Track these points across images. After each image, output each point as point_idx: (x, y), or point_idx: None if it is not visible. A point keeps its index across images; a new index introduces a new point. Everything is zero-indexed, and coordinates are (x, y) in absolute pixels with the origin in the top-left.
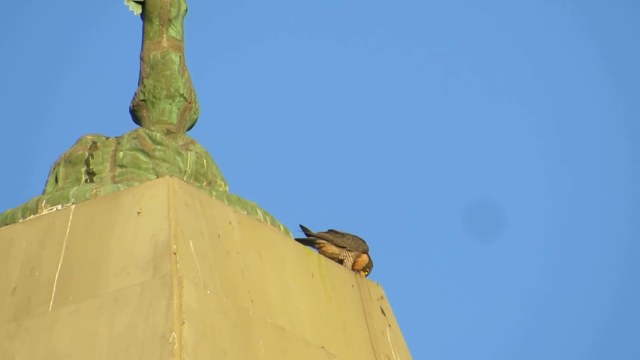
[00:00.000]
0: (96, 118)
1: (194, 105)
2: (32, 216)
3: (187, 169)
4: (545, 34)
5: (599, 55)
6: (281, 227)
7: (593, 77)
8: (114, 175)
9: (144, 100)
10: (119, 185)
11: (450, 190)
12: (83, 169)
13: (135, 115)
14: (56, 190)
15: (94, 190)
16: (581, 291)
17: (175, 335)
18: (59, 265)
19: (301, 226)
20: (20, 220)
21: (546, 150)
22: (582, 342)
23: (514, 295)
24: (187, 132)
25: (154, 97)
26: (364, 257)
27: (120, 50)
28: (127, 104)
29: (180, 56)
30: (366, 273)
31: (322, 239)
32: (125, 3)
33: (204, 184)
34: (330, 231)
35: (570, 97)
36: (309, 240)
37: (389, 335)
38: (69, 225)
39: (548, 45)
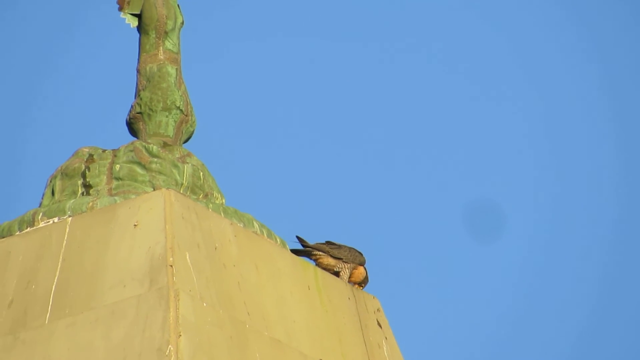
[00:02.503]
0: (93, 130)
1: (190, 117)
2: (28, 229)
3: (184, 182)
4: (544, 37)
5: (596, 58)
6: (278, 240)
7: (588, 79)
8: (111, 188)
9: (140, 113)
10: (116, 198)
11: (449, 191)
12: (79, 182)
13: (132, 127)
14: (53, 203)
15: (91, 203)
16: (581, 292)
17: (172, 348)
18: (56, 278)
19: (297, 237)
20: (17, 233)
21: (547, 151)
22: (581, 342)
23: (511, 302)
24: (184, 145)
25: (151, 109)
26: (361, 269)
27: (117, 62)
28: (124, 117)
29: (176, 69)
30: (362, 287)
31: (319, 250)
32: (122, 16)
33: (201, 196)
34: (327, 243)
35: (571, 97)
36: (305, 251)
37: (385, 348)
38: (65, 238)
39: (551, 46)
